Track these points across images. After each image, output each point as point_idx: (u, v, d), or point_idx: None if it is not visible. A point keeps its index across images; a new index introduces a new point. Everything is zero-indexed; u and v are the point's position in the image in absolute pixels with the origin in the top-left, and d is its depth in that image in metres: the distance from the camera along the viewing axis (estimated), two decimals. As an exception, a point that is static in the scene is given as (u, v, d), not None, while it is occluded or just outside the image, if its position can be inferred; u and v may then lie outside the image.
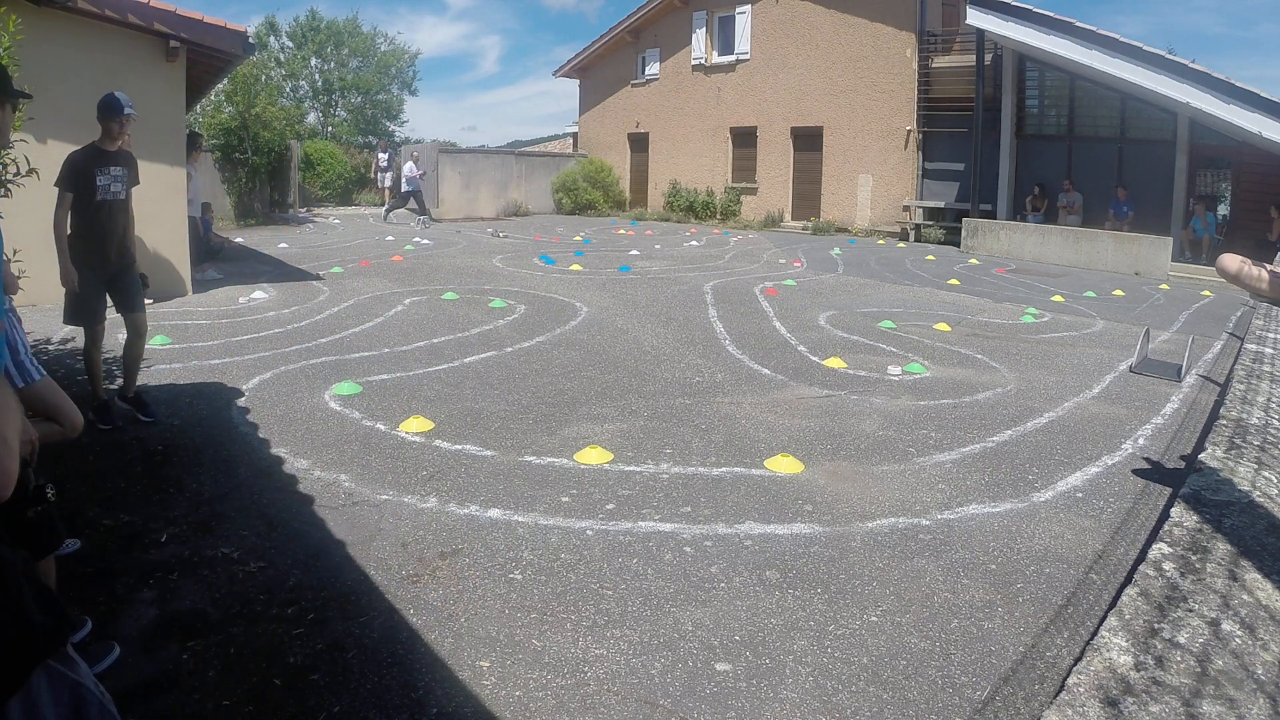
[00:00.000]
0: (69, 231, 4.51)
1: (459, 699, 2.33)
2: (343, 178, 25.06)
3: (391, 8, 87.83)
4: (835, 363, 6.42)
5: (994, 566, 3.20)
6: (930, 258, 14.50)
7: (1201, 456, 2.57)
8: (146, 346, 6.53)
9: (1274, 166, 13.01)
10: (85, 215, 4.48)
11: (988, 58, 16.30)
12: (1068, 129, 16.21)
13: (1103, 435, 4.85)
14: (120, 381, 5.37)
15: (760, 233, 19.24)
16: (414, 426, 4.68)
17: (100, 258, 4.55)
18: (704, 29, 22.24)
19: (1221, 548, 1.44)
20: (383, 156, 24.58)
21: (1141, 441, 4.78)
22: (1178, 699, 1.02)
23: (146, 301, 8.46)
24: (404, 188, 19.84)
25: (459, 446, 4.41)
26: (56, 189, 4.46)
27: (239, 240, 14.45)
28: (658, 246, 15.26)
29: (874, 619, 2.81)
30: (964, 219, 16.18)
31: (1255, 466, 2.50)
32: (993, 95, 16.45)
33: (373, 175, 24.87)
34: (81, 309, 4.57)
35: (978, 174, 16.42)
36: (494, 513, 3.60)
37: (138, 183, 4.82)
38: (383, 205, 23.44)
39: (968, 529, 3.54)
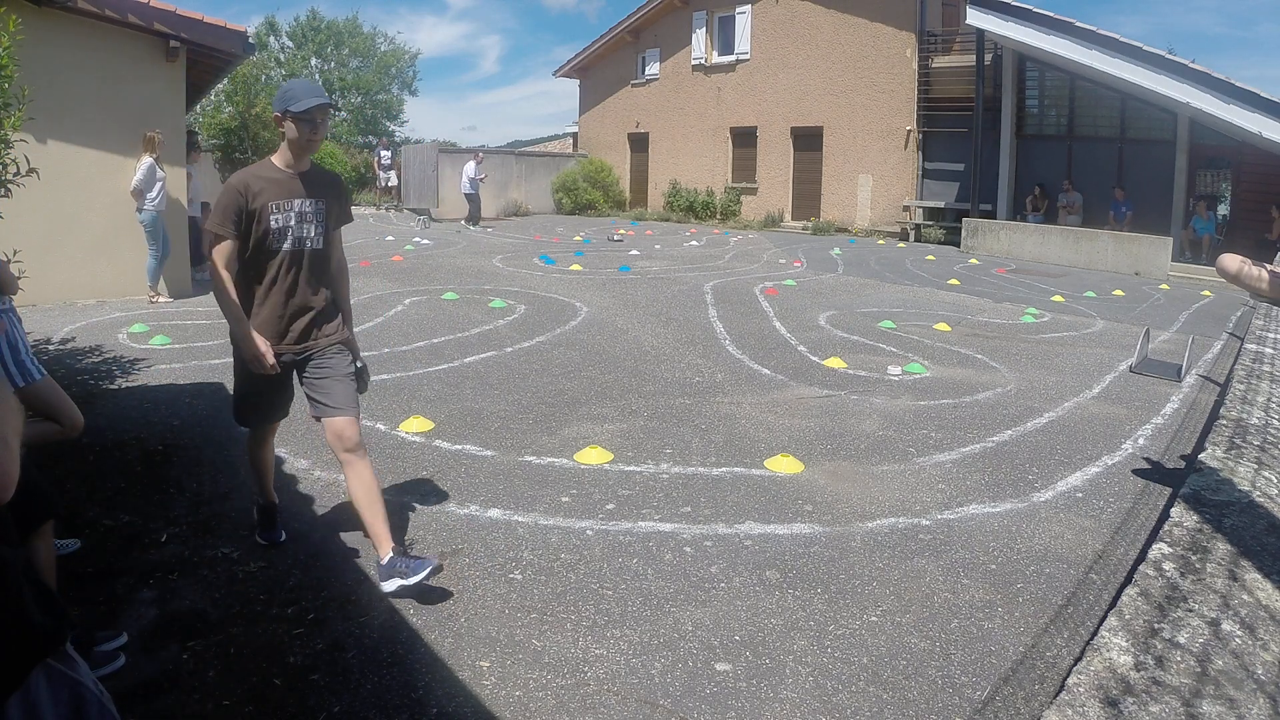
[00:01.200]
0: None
1: (459, 699, 2.33)
2: (343, 178, 25.10)
3: (392, 8, 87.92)
4: (835, 363, 6.42)
5: (994, 566, 3.20)
6: (930, 258, 14.49)
7: (1201, 456, 2.57)
8: (147, 346, 6.58)
9: (1274, 166, 13.01)
10: (257, 273, 2.95)
11: (988, 58, 16.30)
12: (1068, 129, 16.21)
13: (1103, 435, 4.85)
14: (121, 381, 5.38)
15: (760, 233, 19.23)
16: (414, 426, 4.68)
17: (281, 334, 2.99)
18: (704, 29, 22.24)
19: (1221, 548, 1.44)
20: (384, 155, 23.91)
21: (1141, 441, 4.78)
22: (1178, 699, 1.02)
23: (156, 298, 8.48)
24: (465, 190, 18.83)
25: (459, 446, 4.41)
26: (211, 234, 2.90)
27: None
28: (658, 246, 15.25)
29: (874, 619, 2.81)
30: (964, 219, 16.18)
31: (1255, 466, 2.50)
32: (993, 95, 16.45)
33: (374, 174, 24.27)
34: (250, 406, 3.11)
35: (978, 174, 16.42)
36: (494, 513, 3.60)
37: (348, 218, 3.26)
38: (384, 206, 22.59)
39: (968, 529, 3.54)
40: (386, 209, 22.55)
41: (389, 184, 23.36)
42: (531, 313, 8.20)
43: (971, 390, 5.76)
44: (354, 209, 23.50)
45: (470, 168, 18.73)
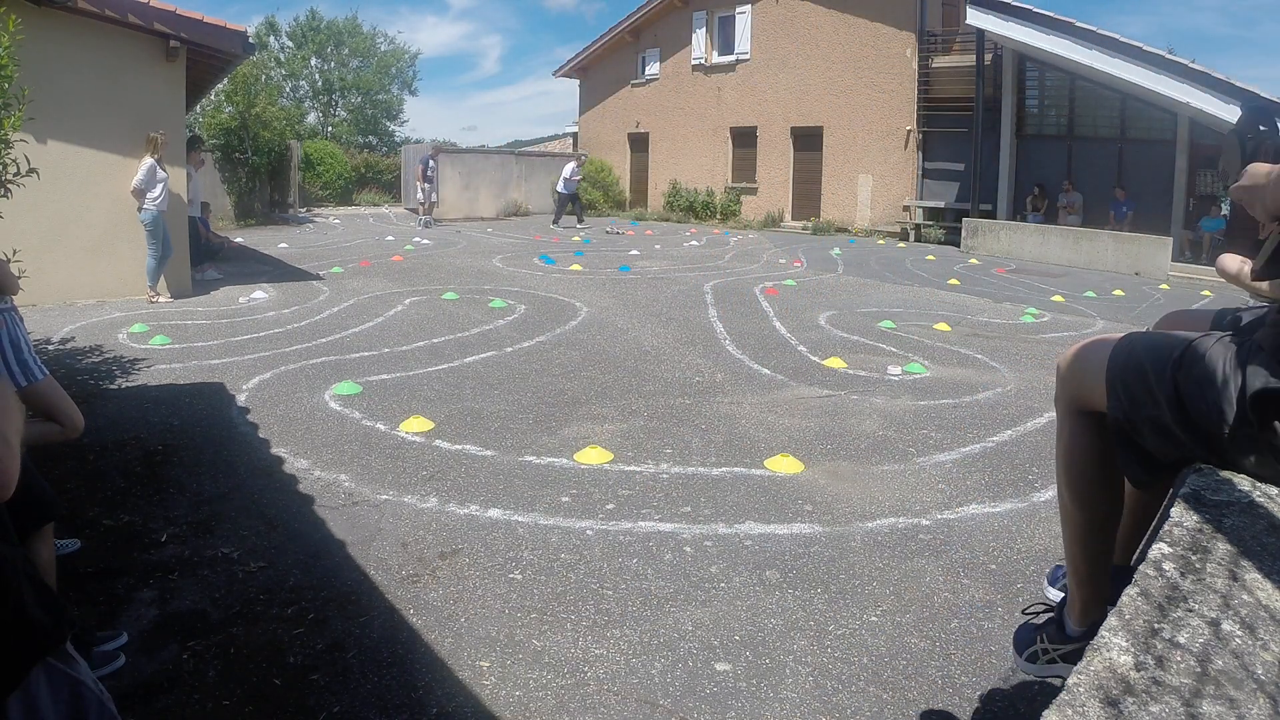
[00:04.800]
0: None
1: (459, 699, 2.33)
2: (343, 178, 25.05)
3: (392, 7, 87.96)
4: (835, 363, 6.42)
5: (994, 566, 3.20)
6: (930, 258, 14.49)
7: (1201, 456, 2.57)
8: (147, 346, 6.58)
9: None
10: None
11: (988, 58, 16.30)
12: (1068, 129, 16.21)
13: (1103, 435, 4.84)
14: (121, 381, 5.37)
15: (760, 233, 19.23)
16: (414, 426, 4.68)
17: None
18: (704, 29, 22.24)
19: (1221, 548, 1.44)
20: (432, 164, 18.70)
21: (1141, 441, 4.77)
22: (1178, 699, 1.02)
23: (156, 298, 8.55)
24: (561, 190, 18.99)
25: (459, 446, 4.41)
26: None
27: (239, 240, 14.45)
28: (658, 246, 15.25)
29: (874, 619, 2.81)
30: (964, 219, 16.18)
31: (1255, 466, 2.49)
32: (993, 95, 16.45)
33: (419, 181, 18.78)
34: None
35: (978, 174, 16.42)
36: (494, 513, 3.60)
37: None
38: (422, 222, 18.59)
39: (968, 529, 3.54)
40: (425, 224, 18.30)
41: (431, 199, 18.90)
42: (531, 313, 8.20)
43: (971, 390, 5.76)
44: (353, 209, 22.77)
45: (570, 169, 18.93)
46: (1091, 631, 2.02)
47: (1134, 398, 1.65)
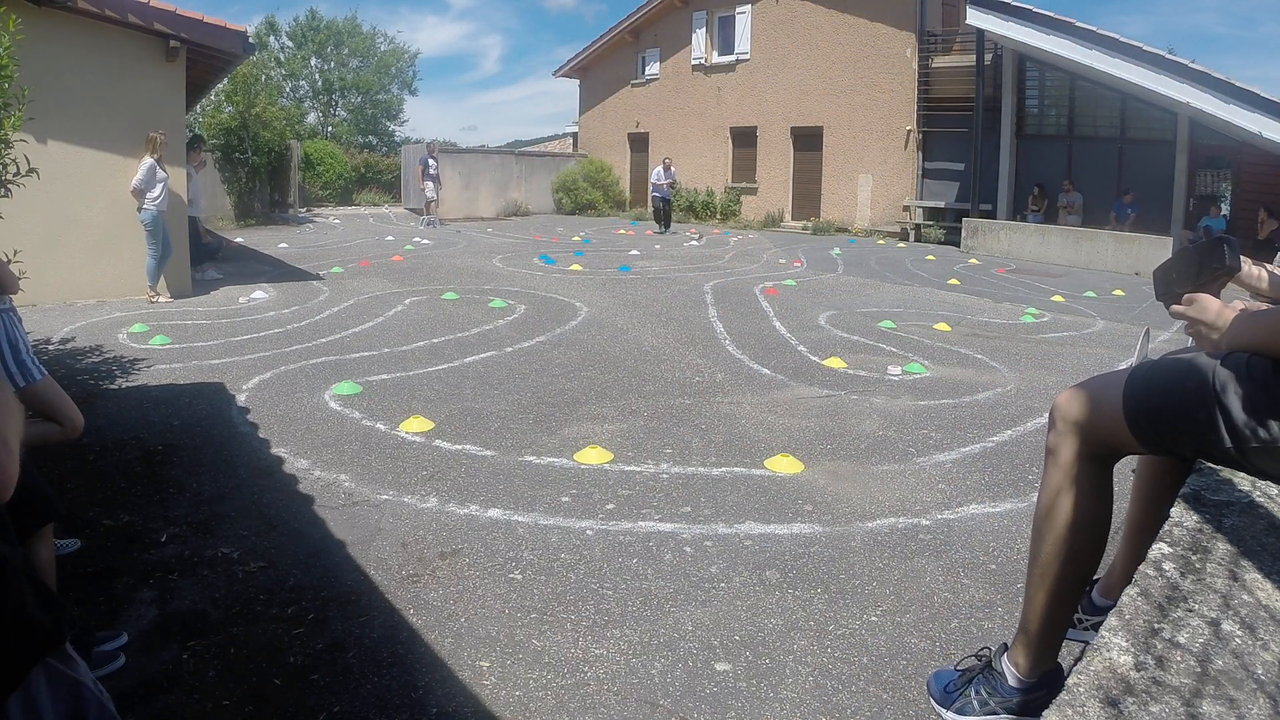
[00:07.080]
0: None
1: (459, 699, 2.33)
2: (343, 178, 25.05)
3: (392, 7, 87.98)
4: (835, 363, 6.42)
5: (994, 566, 3.20)
6: (930, 258, 14.49)
7: (1201, 456, 2.57)
8: (147, 346, 6.58)
9: (1274, 166, 13.01)
10: None
11: (988, 58, 16.30)
12: (1068, 129, 16.21)
13: (1103, 435, 4.84)
14: (121, 381, 5.38)
15: (760, 233, 19.23)
16: (414, 426, 4.68)
17: None
18: (704, 29, 22.25)
19: (1221, 548, 1.44)
20: (432, 163, 18.68)
21: (1141, 441, 4.77)
22: (1178, 699, 1.02)
23: (156, 298, 8.55)
24: (653, 194, 18.76)
25: (459, 446, 4.41)
26: None
27: (239, 240, 14.45)
28: (658, 246, 15.25)
29: (874, 619, 2.80)
30: (964, 219, 16.18)
31: (1255, 466, 2.49)
32: (993, 95, 16.46)
33: (420, 183, 19.01)
34: None
35: (978, 174, 16.42)
36: (494, 513, 3.60)
37: None
38: (424, 222, 18.73)
39: (968, 529, 3.54)
40: (428, 224, 18.41)
41: (431, 197, 18.86)
42: (531, 313, 8.20)
43: (971, 390, 5.76)
44: (353, 209, 22.80)
45: (658, 173, 18.64)
46: (1044, 682, 1.96)
47: (1172, 413, 1.70)
